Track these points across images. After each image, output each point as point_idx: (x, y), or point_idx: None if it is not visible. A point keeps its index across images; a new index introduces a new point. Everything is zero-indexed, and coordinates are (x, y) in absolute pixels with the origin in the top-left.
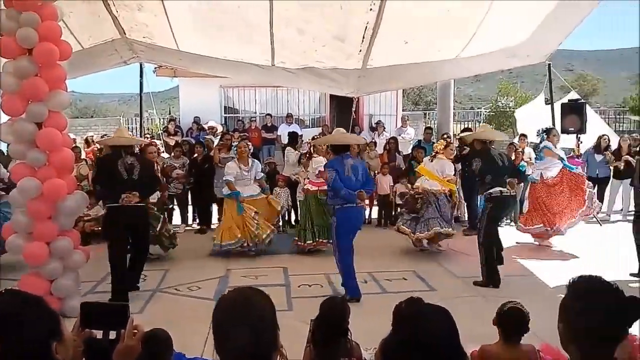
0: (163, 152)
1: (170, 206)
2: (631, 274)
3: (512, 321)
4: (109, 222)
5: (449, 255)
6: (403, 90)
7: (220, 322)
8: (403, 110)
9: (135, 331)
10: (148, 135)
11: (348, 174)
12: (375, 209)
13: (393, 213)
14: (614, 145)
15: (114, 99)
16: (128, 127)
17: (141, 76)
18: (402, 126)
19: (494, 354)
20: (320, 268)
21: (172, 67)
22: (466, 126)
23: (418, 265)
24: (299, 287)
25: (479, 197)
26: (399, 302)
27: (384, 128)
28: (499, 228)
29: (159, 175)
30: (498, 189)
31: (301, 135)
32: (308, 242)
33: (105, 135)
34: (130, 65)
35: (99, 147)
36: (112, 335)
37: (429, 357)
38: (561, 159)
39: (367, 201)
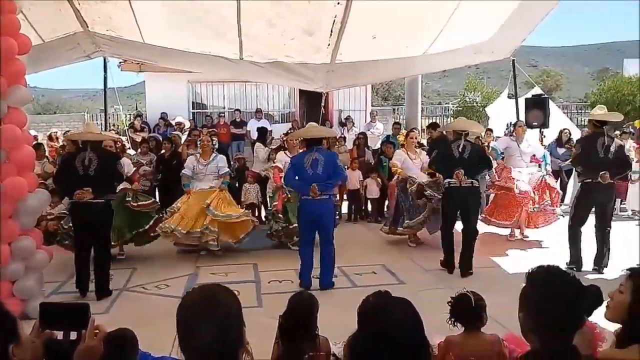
0: (129, 148)
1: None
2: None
3: (461, 308)
4: (70, 219)
5: (419, 249)
6: (372, 85)
7: (184, 319)
8: (372, 106)
9: (97, 331)
10: (113, 132)
11: (306, 167)
12: (345, 204)
13: (363, 207)
14: (576, 139)
15: (78, 95)
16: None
17: (105, 71)
18: (371, 121)
19: (458, 344)
20: (291, 264)
21: (138, 61)
22: (434, 121)
23: (387, 259)
24: (269, 283)
25: None
26: (364, 298)
27: (353, 123)
28: (455, 221)
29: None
30: (447, 180)
31: (270, 131)
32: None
33: (69, 131)
34: (94, 59)
35: (61, 143)
36: (73, 336)
37: (395, 350)
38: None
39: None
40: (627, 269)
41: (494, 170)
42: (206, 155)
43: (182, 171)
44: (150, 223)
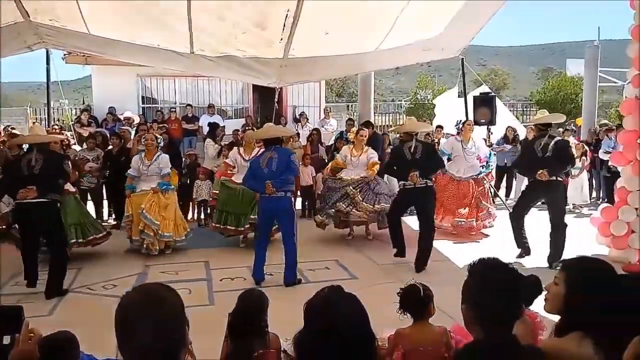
0: (74, 144)
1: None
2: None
3: (409, 299)
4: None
5: (371, 244)
6: (326, 81)
7: (123, 319)
8: (326, 102)
9: (32, 335)
10: (57, 127)
11: (262, 167)
12: (299, 200)
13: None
14: (522, 136)
15: (20, 88)
16: (36, 118)
17: (48, 63)
18: (324, 117)
19: (406, 336)
20: (243, 261)
21: (83, 53)
22: (389, 117)
23: (340, 254)
24: (221, 280)
25: None
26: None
27: (307, 119)
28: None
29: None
30: (402, 182)
31: (223, 127)
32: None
33: (9, 126)
34: (36, 51)
35: (2, 138)
36: (6, 340)
37: (340, 344)
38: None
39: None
40: (560, 261)
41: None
42: (150, 154)
43: (128, 172)
44: (98, 236)
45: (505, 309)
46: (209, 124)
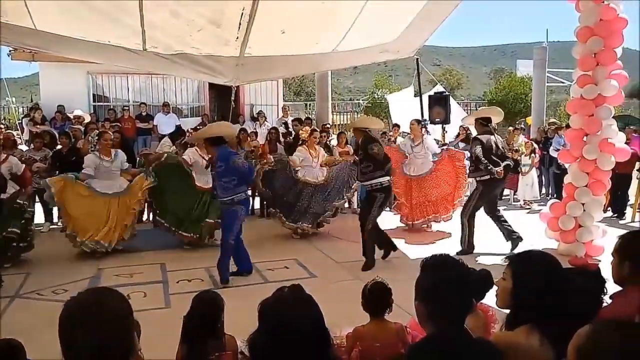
0: (21, 143)
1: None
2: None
3: (376, 296)
4: None
5: (330, 242)
6: (284, 80)
7: (66, 325)
8: (284, 101)
9: None
10: (2, 126)
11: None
12: (257, 200)
13: None
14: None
15: None
16: None
17: None
18: (282, 116)
19: (365, 334)
20: (200, 262)
21: (30, 49)
22: (347, 116)
23: (299, 253)
24: (177, 283)
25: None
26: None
27: (266, 118)
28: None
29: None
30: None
31: (179, 125)
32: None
33: None
34: None
35: None
36: None
37: (294, 343)
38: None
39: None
40: (506, 257)
41: None
42: (107, 151)
43: (83, 171)
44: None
45: (456, 303)
46: (176, 127)
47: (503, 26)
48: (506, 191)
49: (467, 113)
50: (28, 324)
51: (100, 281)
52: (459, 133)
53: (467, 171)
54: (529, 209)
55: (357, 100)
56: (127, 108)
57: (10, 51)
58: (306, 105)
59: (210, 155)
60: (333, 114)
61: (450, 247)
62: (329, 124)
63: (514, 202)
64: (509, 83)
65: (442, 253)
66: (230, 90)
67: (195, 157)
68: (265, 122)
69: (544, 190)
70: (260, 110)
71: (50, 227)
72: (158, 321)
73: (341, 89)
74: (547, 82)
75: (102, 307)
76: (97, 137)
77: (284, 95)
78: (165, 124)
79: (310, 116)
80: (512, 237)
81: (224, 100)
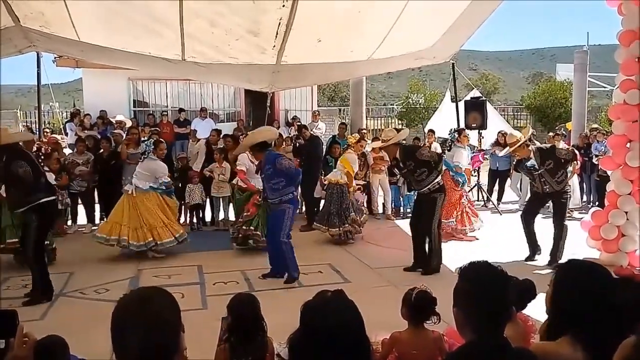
0: (65, 147)
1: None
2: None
3: (421, 305)
4: None
5: (364, 247)
6: (318, 85)
7: (116, 322)
8: (318, 106)
9: (26, 339)
10: (48, 130)
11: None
12: None
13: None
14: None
15: (9, 91)
16: (26, 121)
17: (38, 66)
18: (312, 121)
19: (402, 340)
20: (236, 265)
21: (74, 57)
22: (381, 121)
23: (334, 258)
24: (214, 284)
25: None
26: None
27: (300, 122)
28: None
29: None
30: None
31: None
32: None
33: None
34: (26, 54)
35: None
36: (1, 344)
37: (334, 348)
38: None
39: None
40: (554, 265)
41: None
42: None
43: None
44: None
45: (496, 311)
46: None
47: (541, 29)
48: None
49: (504, 118)
50: (71, 321)
51: (140, 281)
52: (497, 139)
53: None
54: (570, 217)
55: (391, 105)
56: (166, 113)
57: (55, 58)
58: (340, 110)
59: (258, 161)
60: (367, 119)
61: (486, 253)
62: (364, 128)
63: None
64: (548, 87)
65: (481, 260)
66: (266, 96)
67: (247, 163)
68: None
69: (585, 198)
70: (295, 116)
71: (92, 228)
72: (195, 322)
73: (375, 94)
74: (588, 87)
75: (150, 307)
76: (153, 146)
77: (318, 101)
78: (202, 128)
79: (344, 121)
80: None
81: (259, 105)
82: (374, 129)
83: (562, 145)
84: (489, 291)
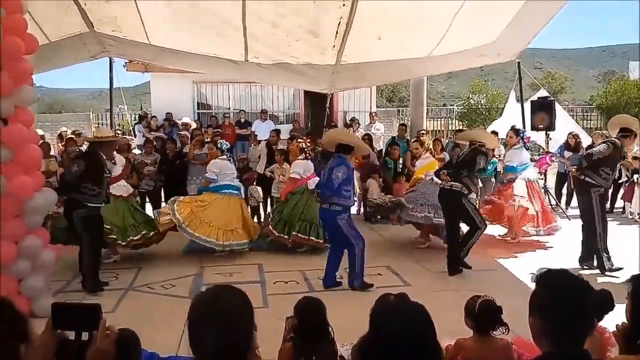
0: (134, 148)
1: None
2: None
3: (485, 315)
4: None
5: (424, 251)
6: (377, 87)
7: (191, 319)
8: (377, 107)
9: (108, 332)
10: (119, 132)
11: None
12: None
13: (367, 209)
14: (584, 142)
15: (83, 94)
16: (98, 123)
17: (111, 71)
18: (370, 122)
19: (469, 348)
20: (296, 265)
21: (143, 61)
22: (441, 122)
23: (393, 261)
24: (274, 284)
25: None
26: (378, 299)
27: (359, 124)
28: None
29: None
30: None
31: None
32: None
33: (76, 130)
34: (99, 59)
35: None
36: (85, 336)
37: (406, 353)
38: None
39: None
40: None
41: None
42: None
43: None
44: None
45: (577, 322)
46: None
47: (612, 25)
48: (619, 203)
49: (573, 119)
50: (141, 314)
51: (203, 278)
52: (566, 141)
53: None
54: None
55: (451, 105)
56: (228, 115)
57: (125, 63)
58: (399, 111)
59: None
60: (427, 120)
61: (552, 260)
62: (424, 130)
63: (629, 215)
64: (621, 87)
65: (561, 268)
66: (325, 97)
67: (298, 169)
68: (359, 129)
69: None
70: (353, 117)
71: None
72: (257, 320)
73: (434, 94)
74: None
75: (224, 304)
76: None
77: (376, 102)
78: (262, 130)
79: (404, 122)
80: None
81: (317, 107)
82: (434, 129)
83: (636, 147)
84: (570, 300)
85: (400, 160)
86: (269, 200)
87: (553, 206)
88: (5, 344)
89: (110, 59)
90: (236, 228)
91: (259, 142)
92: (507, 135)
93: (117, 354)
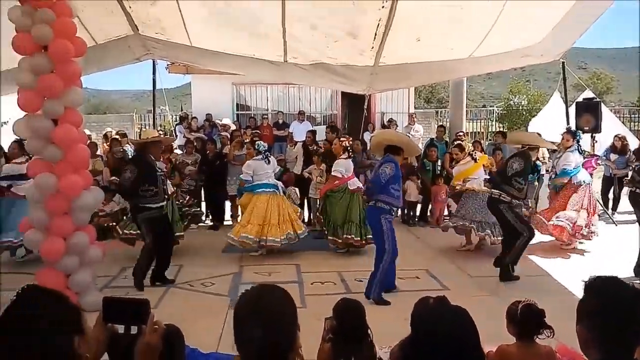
0: (176, 148)
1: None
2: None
3: (528, 320)
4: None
5: (462, 255)
6: (415, 87)
7: (236, 317)
8: (415, 108)
9: (156, 327)
10: (162, 132)
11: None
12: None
13: (405, 211)
14: (631, 145)
15: (126, 96)
16: (140, 124)
17: (154, 73)
18: (409, 123)
19: (512, 354)
20: (332, 266)
21: (185, 63)
22: (480, 124)
23: (431, 264)
24: (312, 284)
25: None
26: (417, 302)
27: (397, 126)
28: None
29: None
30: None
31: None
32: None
33: (120, 131)
34: (142, 61)
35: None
36: (134, 330)
37: (445, 356)
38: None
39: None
40: None
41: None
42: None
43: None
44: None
45: (626, 329)
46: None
47: None
48: None
49: (620, 120)
50: (182, 311)
51: (242, 277)
52: (612, 143)
53: None
54: None
55: (491, 107)
56: (266, 116)
57: (167, 65)
58: (437, 112)
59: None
60: (466, 121)
61: (599, 267)
62: (462, 131)
63: None
64: None
65: (610, 275)
66: (362, 98)
67: (340, 168)
68: (396, 130)
69: None
70: (391, 118)
71: (199, 224)
72: None
73: (473, 95)
74: None
75: (267, 303)
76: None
77: (414, 103)
78: (299, 131)
79: (442, 123)
80: None
81: (355, 108)
82: (473, 131)
83: None
84: (619, 307)
85: (439, 162)
86: (305, 201)
87: (600, 212)
88: (61, 335)
89: (153, 61)
90: (274, 224)
91: (296, 143)
92: (562, 137)
93: (163, 348)
